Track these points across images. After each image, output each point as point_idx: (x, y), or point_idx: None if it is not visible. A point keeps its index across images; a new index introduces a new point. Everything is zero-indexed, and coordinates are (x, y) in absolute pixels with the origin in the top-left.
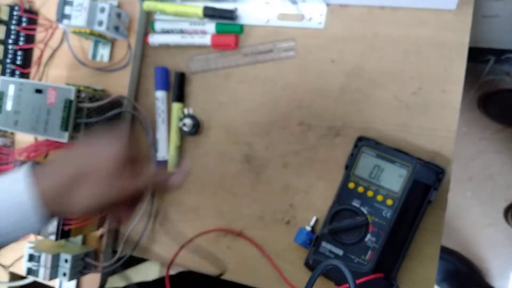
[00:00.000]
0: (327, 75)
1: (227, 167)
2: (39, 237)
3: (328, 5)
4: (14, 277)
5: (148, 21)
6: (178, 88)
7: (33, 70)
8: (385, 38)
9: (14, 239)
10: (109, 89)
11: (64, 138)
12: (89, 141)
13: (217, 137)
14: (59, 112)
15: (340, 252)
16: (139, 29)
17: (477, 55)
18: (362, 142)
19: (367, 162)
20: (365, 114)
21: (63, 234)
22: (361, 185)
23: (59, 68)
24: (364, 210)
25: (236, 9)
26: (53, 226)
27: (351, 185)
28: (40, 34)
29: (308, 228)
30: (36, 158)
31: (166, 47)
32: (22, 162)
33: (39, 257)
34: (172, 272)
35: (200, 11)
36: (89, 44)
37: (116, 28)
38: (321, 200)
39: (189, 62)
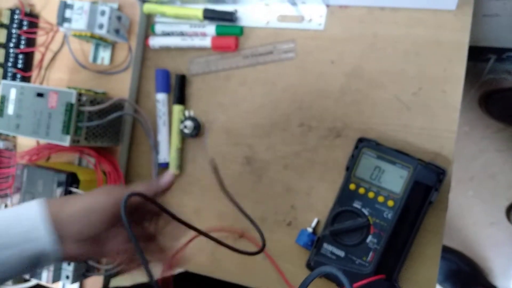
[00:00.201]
0: (327, 76)
1: (228, 169)
2: None
3: (328, 6)
4: (17, 280)
5: (148, 24)
6: (179, 90)
7: (34, 73)
8: (385, 39)
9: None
10: (110, 91)
11: (66, 141)
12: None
13: (218, 139)
14: (60, 115)
15: (341, 253)
16: (139, 32)
17: (477, 54)
18: (363, 143)
19: (367, 163)
20: (366, 115)
21: None
22: (362, 187)
23: (60, 71)
24: (365, 211)
25: (236, 11)
26: None
27: (352, 186)
28: (41, 38)
29: (310, 230)
30: (38, 162)
31: (166, 49)
32: (24, 166)
33: None
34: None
35: (200, 14)
36: (89, 47)
37: (117, 31)
38: (322, 202)
39: (189, 64)
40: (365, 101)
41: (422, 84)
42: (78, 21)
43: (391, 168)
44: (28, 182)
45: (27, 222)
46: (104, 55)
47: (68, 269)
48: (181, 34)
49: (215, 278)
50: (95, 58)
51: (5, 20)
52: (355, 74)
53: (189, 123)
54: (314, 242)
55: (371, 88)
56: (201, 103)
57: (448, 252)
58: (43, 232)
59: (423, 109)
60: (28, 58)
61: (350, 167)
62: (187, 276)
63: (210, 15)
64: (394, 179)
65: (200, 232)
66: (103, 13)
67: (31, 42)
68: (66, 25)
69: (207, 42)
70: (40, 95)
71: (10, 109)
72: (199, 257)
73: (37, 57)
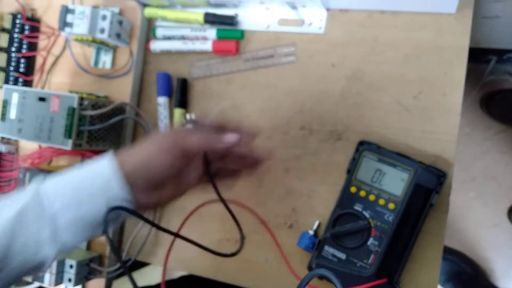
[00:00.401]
0: (328, 79)
1: None
2: None
3: (328, 10)
4: (20, 282)
5: (149, 28)
6: (180, 94)
7: (36, 77)
8: (385, 42)
9: (100, 209)
10: (112, 95)
11: (68, 145)
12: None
13: None
14: (62, 119)
15: (343, 256)
16: (140, 36)
17: (478, 56)
18: (364, 146)
19: (368, 166)
20: (366, 118)
21: None
22: (363, 189)
23: (62, 76)
24: (366, 214)
25: (236, 15)
26: None
27: (353, 189)
28: (42, 42)
29: (311, 232)
30: (40, 165)
31: (167, 53)
32: (26, 169)
33: None
34: (175, 276)
35: (201, 17)
36: (91, 51)
37: (118, 35)
38: (323, 204)
39: (190, 68)
40: (366, 104)
41: (423, 87)
42: (80, 26)
43: (392, 171)
44: None
45: (102, 180)
46: (106, 59)
47: (70, 272)
48: (182, 38)
49: (218, 281)
50: (96, 62)
51: (7, 25)
52: (355, 78)
53: (190, 127)
54: (315, 245)
55: (371, 91)
56: (202, 106)
57: (450, 253)
58: (116, 187)
59: (423, 113)
60: (30, 62)
61: (351, 170)
62: (190, 279)
63: (211, 19)
64: (395, 182)
65: (176, 235)
66: (104, 17)
67: (32, 47)
68: (67, 29)
69: (208, 46)
70: (42, 99)
71: (12, 113)
72: (201, 260)
73: (38, 61)
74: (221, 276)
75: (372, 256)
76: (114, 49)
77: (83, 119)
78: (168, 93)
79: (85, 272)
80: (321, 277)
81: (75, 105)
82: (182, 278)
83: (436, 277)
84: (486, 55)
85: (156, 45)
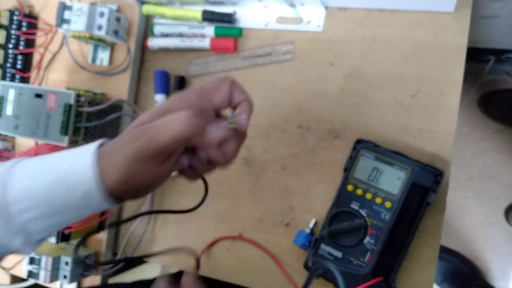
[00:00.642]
0: (326, 78)
1: (226, 170)
2: None
3: (326, 8)
4: (15, 279)
5: (147, 25)
6: (178, 91)
7: (33, 74)
8: (384, 41)
9: (78, 217)
10: (109, 92)
11: (64, 142)
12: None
13: None
14: (59, 116)
15: (339, 254)
16: (138, 33)
17: (477, 55)
18: (361, 145)
19: (365, 164)
20: (364, 117)
21: (63, 237)
22: (360, 188)
23: (59, 72)
24: (363, 212)
25: (235, 12)
26: None
27: (350, 187)
28: (40, 39)
29: (307, 231)
30: None
31: (165, 50)
32: None
33: (40, 260)
34: (172, 271)
35: (199, 15)
36: (88, 48)
37: (116, 32)
38: (320, 203)
39: (188, 66)
40: (363, 103)
41: (421, 86)
42: (77, 23)
43: (389, 169)
44: None
45: (81, 192)
46: (103, 56)
47: (65, 268)
48: (180, 35)
49: (214, 279)
50: (94, 59)
51: (4, 21)
52: (354, 76)
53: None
54: (312, 243)
55: (369, 90)
56: None
57: (446, 253)
58: (98, 200)
59: (421, 111)
60: (27, 59)
61: (348, 168)
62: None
63: (209, 17)
64: (392, 181)
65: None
66: (102, 14)
67: (30, 43)
68: (65, 26)
69: (206, 43)
70: (38, 96)
71: (9, 109)
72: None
73: (36, 58)
74: (218, 274)
75: (368, 255)
76: (112, 46)
77: (80, 116)
78: (166, 90)
79: (81, 269)
80: (318, 276)
81: (72, 101)
82: (180, 273)
83: (432, 276)
84: (484, 55)
85: (154, 43)
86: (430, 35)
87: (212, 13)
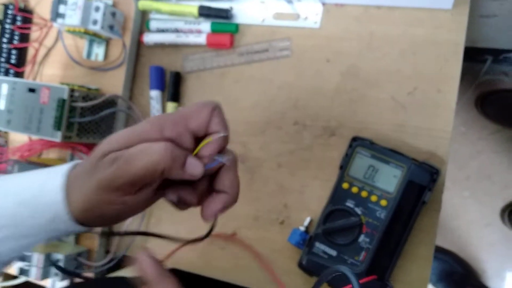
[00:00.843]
0: (323, 74)
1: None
2: None
3: (324, 4)
4: (6, 277)
5: (143, 20)
6: (173, 87)
7: (27, 69)
8: (381, 38)
9: (47, 240)
10: (104, 88)
11: (57, 137)
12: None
13: None
14: (52, 111)
15: (333, 252)
16: (134, 28)
17: (474, 55)
18: (357, 142)
19: (361, 162)
20: (361, 114)
21: None
22: (356, 186)
23: (54, 67)
24: (358, 210)
25: (231, 8)
26: None
27: (345, 185)
28: (34, 33)
29: (302, 229)
30: (29, 158)
31: (161, 46)
32: (15, 162)
33: (31, 257)
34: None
35: (195, 10)
36: (83, 43)
37: (111, 27)
38: (316, 201)
39: (184, 61)
40: (360, 100)
41: (418, 83)
42: (72, 17)
43: (385, 167)
44: None
45: (48, 217)
46: (98, 51)
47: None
48: (176, 30)
49: (206, 276)
50: (89, 54)
51: None
52: (350, 73)
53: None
54: (306, 241)
55: (366, 87)
56: (195, 100)
57: (442, 253)
58: (65, 226)
59: (418, 109)
60: (22, 53)
61: (344, 166)
62: (176, 274)
63: (205, 12)
64: (388, 179)
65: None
66: (97, 9)
67: (24, 38)
68: (59, 20)
69: (202, 39)
70: (32, 90)
71: (2, 104)
72: (190, 255)
73: (30, 52)
74: (210, 272)
75: (363, 253)
76: (107, 41)
77: (74, 111)
78: (161, 86)
79: (73, 266)
80: (311, 274)
81: (65, 96)
82: (172, 270)
83: (427, 275)
84: (482, 55)
85: (149, 38)
86: (427, 32)
87: (209, 8)
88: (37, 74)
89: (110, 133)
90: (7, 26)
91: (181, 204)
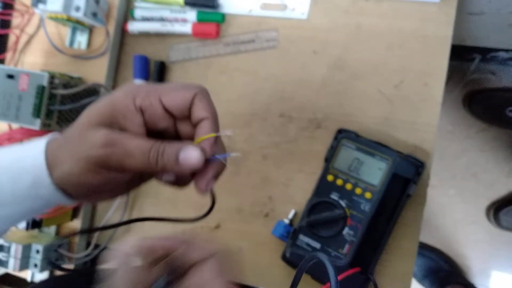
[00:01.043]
0: (310, 66)
1: None
2: (12, 228)
3: None
4: None
5: (127, 8)
6: (157, 77)
7: (8, 56)
8: (368, 30)
9: (27, 212)
10: (86, 77)
11: (36, 125)
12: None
13: None
14: (31, 98)
15: (317, 245)
16: (118, 16)
17: (463, 53)
18: (342, 134)
19: (346, 154)
20: (347, 107)
21: (34, 224)
22: (340, 178)
23: (35, 55)
24: (343, 203)
25: None
26: None
27: (330, 177)
28: (16, 20)
29: (286, 221)
30: None
31: (146, 35)
32: None
33: (9, 247)
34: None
35: None
36: (66, 31)
37: (94, 15)
38: (300, 193)
39: (169, 51)
40: (346, 92)
41: (404, 76)
42: (54, 3)
43: (370, 160)
44: None
45: (29, 181)
46: (81, 40)
47: (36, 257)
48: (161, 19)
49: None
50: (71, 42)
51: None
52: (337, 65)
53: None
54: (290, 234)
55: (353, 79)
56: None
57: (428, 250)
58: (46, 192)
59: (404, 102)
60: (2, 40)
61: (329, 158)
62: None
63: (191, 1)
64: (373, 171)
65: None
66: None
67: (5, 24)
68: (41, 6)
69: (187, 28)
70: (10, 76)
71: None
72: None
73: (11, 39)
74: None
75: (347, 246)
76: (90, 29)
77: (54, 99)
78: (145, 76)
79: (53, 258)
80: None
81: (45, 83)
82: None
83: (411, 269)
84: (470, 53)
85: (134, 26)
86: (415, 25)
87: None
88: (18, 61)
89: None
90: None
91: (179, 182)
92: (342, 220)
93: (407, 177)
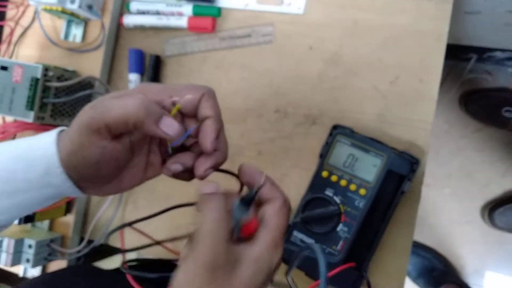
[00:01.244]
0: (305, 62)
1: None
2: None
3: None
4: None
5: (123, 1)
6: (153, 71)
7: (2, 48)
8: (365, 26)
9: (39, 200)
10: (81, 70)
11: (30, 117)
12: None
13: None
14: (24, 90)
15: (311, 241)
16: (113, 9)
17: (459, 53)
18: (337, 130)
19: (341, 151)
20: (342, 103)
21: (27, 218)
22: (335, 174)
23: (30, 48)
24: (337, 199)
25: None
26: None
27: (324, 173)
28: (11, 11)
29: None
30: (3, 140)
31: (141, 28)
32: None
33: (1, 242)
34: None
35: None
36: (61, 24)
37: (90, 7)
38: (295, 189)
39: (164, 45)
40: (342, 88)
41: (400, 72)
42: None
43: (364, 156)
44: None
45: (41, 169)
46: (76, 32)
47: (29, 252)
48: (157, 13)
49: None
50: (66, 35)
51: None
52: (333, 61)
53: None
54: None
55: (348, 75)
56: None
57: (422, 249)
58: (57, 179)
59: (399, 98)
60: None
61: (324, 154)
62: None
63: None
64: (367, 168)
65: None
66: None
67: (0, 16)
68: None
69: (183, 22)
70: (4, 68)
71: None
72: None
73: (6, 32)
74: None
75: (341, 243)
76: (86, 22)
77: (48, 91)
78: (140, 70)
79: (45, 253)
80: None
81: (39, 75)
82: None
83: (405, 266)
84: (466, 53)
85: (129, 20)
86: (411, 21)
87: None
88: (13, 54)
89: None
90: None
91: (186, 173)
92: (337, 217)
93: (401, 174)
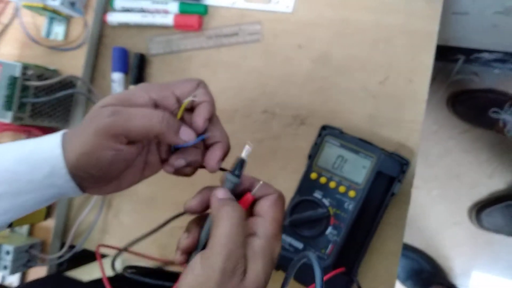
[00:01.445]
0: (294, 61)
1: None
2: None
3: None
4: None
5: None
6: (137, 70)
7: None
8: (354, 25)
9: (41, 201)
10: (63, 69)
11: (7, 118)
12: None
13: None
14: (2, 90)
15: (300, 245)
16: (97, 7)
17: (447, 54)
18: (326, 131)
19: (330, 152)
20: (331, 103)
21: None
22: (324, 176)
23: (10, 46)
24: (326, 202)
25: None
26: None
27: (313, 175)
28: None
29: None
30: None
31: (125, 26)
32: None
33: None
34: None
35: None
36: (43, 21)
37: (72, 4)
38: (283, 191)
39: (149, 43)
40: (331, 89)
41: (389, 72)
42: None
43: (354, 157)
44: None
45: (46, 170)
46: (58, 30)
47: (6, 258)
48: (142, 10)
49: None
50: (48, 33)
51: None
52: (322, 60)
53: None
54: None
55: (337, 75)
56: None
57: (410, 251)
58: (61, 180)
59: (389, 99)
60: None
61: (313, 156)
62: (136, 270)
63: None
64: (357, 169)
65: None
66: None
67: None
68: None
69: (169, 20)
70: None
71: None
72: (149, 248)
73: None
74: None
75: (330, 246)
76: (68, 20)
77: (27, 91)
78: (124, 69)
79: (24, 259)
80: (278, 268)
81: (18, 74)
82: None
83: (395, 270)
84: (454, 54)
85: (113, 17)
86: (401, 20)
87: None
88: None
89: (67, 117)
90: None
91: (189, 167)
92: (326, 219)
93: (391, 175)
